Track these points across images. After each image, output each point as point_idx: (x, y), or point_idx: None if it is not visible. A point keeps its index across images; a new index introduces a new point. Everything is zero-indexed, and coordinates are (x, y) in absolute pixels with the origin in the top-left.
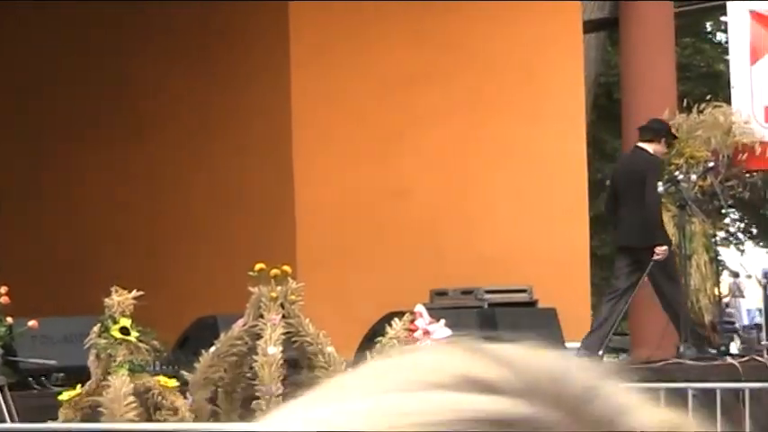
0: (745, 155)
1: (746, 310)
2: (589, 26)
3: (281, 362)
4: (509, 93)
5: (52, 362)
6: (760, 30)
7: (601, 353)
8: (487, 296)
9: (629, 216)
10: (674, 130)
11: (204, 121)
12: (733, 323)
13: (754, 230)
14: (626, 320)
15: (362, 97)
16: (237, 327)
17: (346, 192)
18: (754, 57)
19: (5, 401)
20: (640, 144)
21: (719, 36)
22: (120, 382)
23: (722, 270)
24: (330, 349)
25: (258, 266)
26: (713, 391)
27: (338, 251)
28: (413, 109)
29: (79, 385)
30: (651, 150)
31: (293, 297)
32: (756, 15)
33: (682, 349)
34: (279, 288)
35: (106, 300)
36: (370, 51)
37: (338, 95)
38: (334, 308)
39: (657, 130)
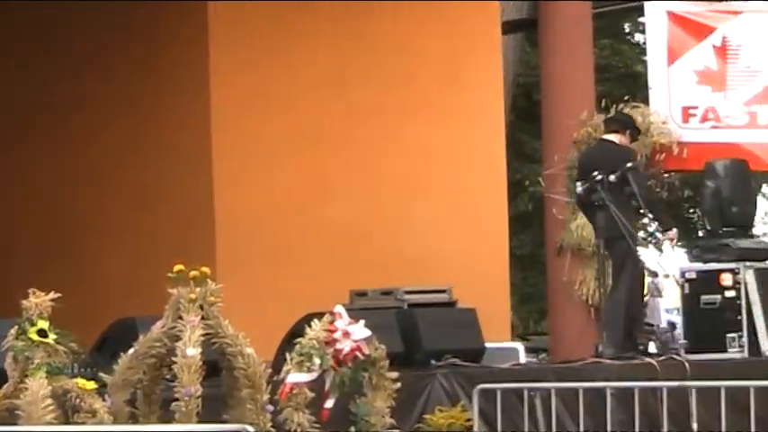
0: (663, 155)
1: (665, 309)
2: (507, 27)
3: (201, 363)
4: (429, 94)
5: None
6: (677, 30)
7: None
8: (407, 296)
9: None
10: (592, 131)
11: (122, 121)
12: (651, 323)
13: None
14: (545, 320)
15: (284, 97)
16: (156, 328)
17: (266, 192)
18: (672, 57)
19: None
20: (606, 136)
21: (638, 37)
22: (38, 385)
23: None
24: (249, 350)
25: (177, 268)
26: (631, 390)
27: (258, 252)
28: (335, 109)
29: None
30: (617, 141)
31: (212, 298)
32: (673, 16)
33: (600, 348)
34: (198, 289)
35: (23, 302)
36: (293, 51)
37: (259, 95)
38: (254, 309)
39: (624, 122)
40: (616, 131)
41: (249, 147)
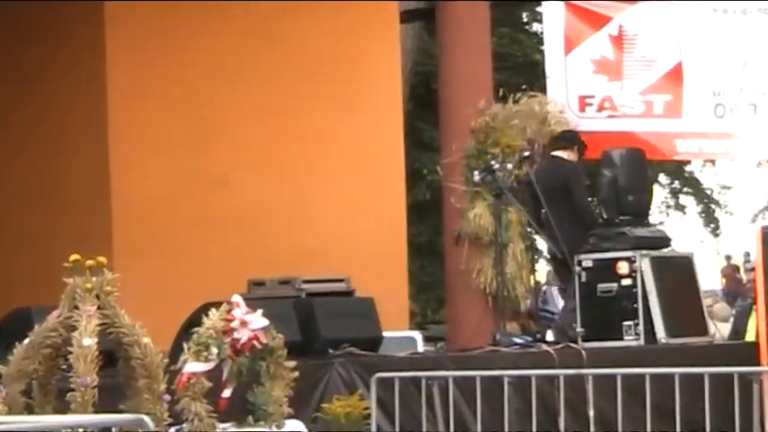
0: None
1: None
2: (406, 16)
3: (97, 353)
4: (327, 83)
5: None
6: (574, 20)
7: None
8: (305, 286)
9: (561, 225)
10: (489, 120)
11: (19, 114)
12: (549, 311)
13: None
14: (443, 308)
15: (183, 89)
16: (52, 318)
17: (164, 182)
18: (569, 47)
19: None
20: (554, 153)
21: (536, 26)
22: None
23: (538, 258)
24: (146, 340)
25: (73, 257)
26: (528, 378)
27: (155, 242)
28: (233, 100)
29: None
30: (566, 157)
31: (108, 288)
32: (570, 6)
33: (498, 337)
34: (94, 279)
35: None
36: (192, 44)
37: (159, 87)
38: (151, 299)
39: (570, 139)
40: (564, 148)
41: (146, 139)
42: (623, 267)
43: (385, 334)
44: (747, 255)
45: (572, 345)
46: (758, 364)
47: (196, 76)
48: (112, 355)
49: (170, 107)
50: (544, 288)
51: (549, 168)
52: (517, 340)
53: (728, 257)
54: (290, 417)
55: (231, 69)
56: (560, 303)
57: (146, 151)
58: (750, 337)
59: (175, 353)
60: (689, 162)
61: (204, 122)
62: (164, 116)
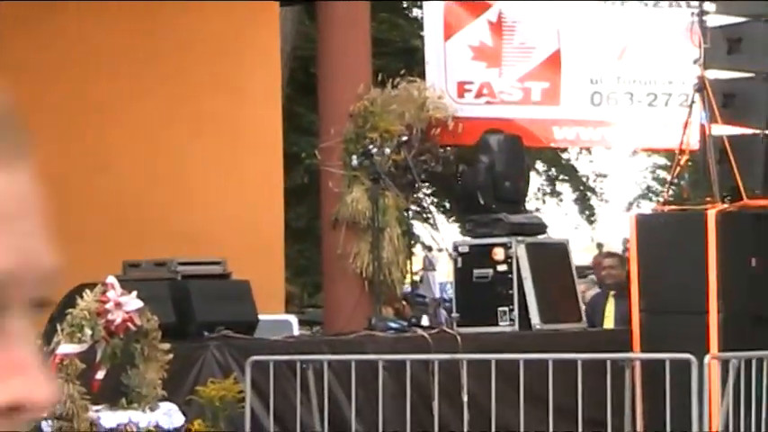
0: (439, 130)
1: (438, 283)
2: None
3: None
4: (206, 67)
5: None
6: (453, 6)
7: None
8: (181, 268)
9: None
10: (368, 105)
11: None
12: (424, 296)
13: (447, 205)
14: (320, 293)
15: (62, 70)
16: None
17: (42, 165)
18: (448, 33)
19: None
20: None
21: (415, 12)
22: None
23: (415, 243)
24: None
25: None
26: (403, 362)
27: None
28: (110, 84)
29: None
30: None
31: None
32: None
33: (374, 321)
34: None
35: None
36: (68, 28)
37: (35, 73)
38: None
39: None
40: None
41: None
42: (499, 253)
43: (260, 317)
44: (627, 241)
45: (447, 330)
46: (630, 350)
47: (72, 61)
48: None
49: (46, 92)
50: (420, 273)
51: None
52: (393, 325)
53: (600, 245)
54: (164, 399)
55: (107, 54)
56: (436, 289)
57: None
58: (608, 323)
59: (48, 334)
60: (566, 149)
61: (81, 107)
62: (40, 101)
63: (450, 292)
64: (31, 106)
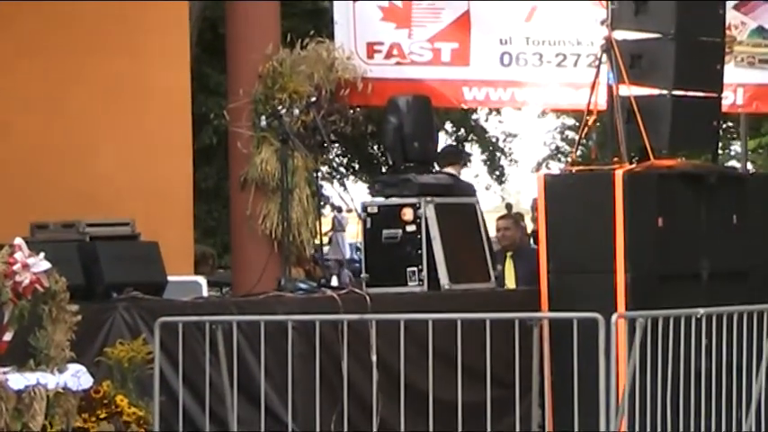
0: (348, 91)
1: (348, 243)
2: None
3: None
4: (112, 25)
5: None
6: None
7: None
8: (89, 229)
9: None
10: (277, 65)
11: None
12: (334, 257)
13: (356, 165)
14: (228, 254)
15: None
16: None
17: None
18: None
19: None
20: (446, 170)
21: None
22: None
23: (324, 204)
24: None
25: None
26: (313, 323)
27: None
28: (12, 39)
29: None
30: (458, 174)
31: None
32: None
33: (283, 282)
34: None
35: None
36: None
37: None
38: None
39: (456, 154)
40: (452, 164)
41: None
42: (408, 214)
43: (169, 278)
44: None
45: (356, 290)
46: (538, 309)
47: None
48: None
49: None
50: (330, 234)
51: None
52: (302, 286)
53: (509, 206)
54: (73, 361)
55: (8, 10)
56: (346, 250)
57: None
58: (509, 283)
59: None
60: (475, 110)
61: None
62: None
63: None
64: None
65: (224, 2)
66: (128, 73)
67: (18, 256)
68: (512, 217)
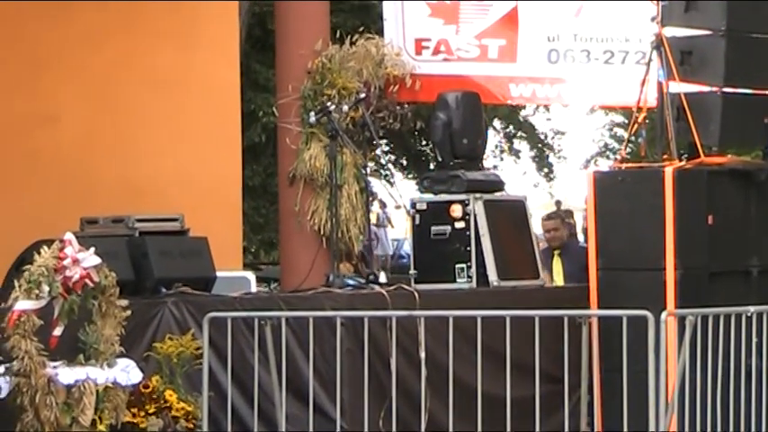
0: (397, 87)
1: (395, 240)
2: None
3: None
4: (164, 20)
5: None
6: None
7: None
8: (138, 224)
9: None
10: (326, 61)
11: None
12: (382, 253)
13: (404, 162)
14: (276, 250)
15: (12, 22)
16: None
17: None
18: None
19: None
20: None
21: None
22: None
23: (372, 200)
24: None
25: None
26: (361, 319)
27: None
28: (64, 34)
29: None
30: None
31: None
32: None
33: (331, 278)
34: None
35: None
36: None
37: None
38: None
39: None
40: None
41: None
42: (457, 210)
43: (218, 274)
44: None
45: (405, 287)
46: (587, 306)
47: (23, 9)
48: None
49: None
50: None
51: None
52: (350, 282)
53: (558, 203)
54: (122, 355)
55: (61, 5)
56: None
57: None
58: (558, 281)
59: (6, 291)
60: (523, 107)
61: (34, 57)
62: None
63: (404, 249)
64: None
65: None
66: (178, 68)
67: (68, 250)
68: (558, 216)
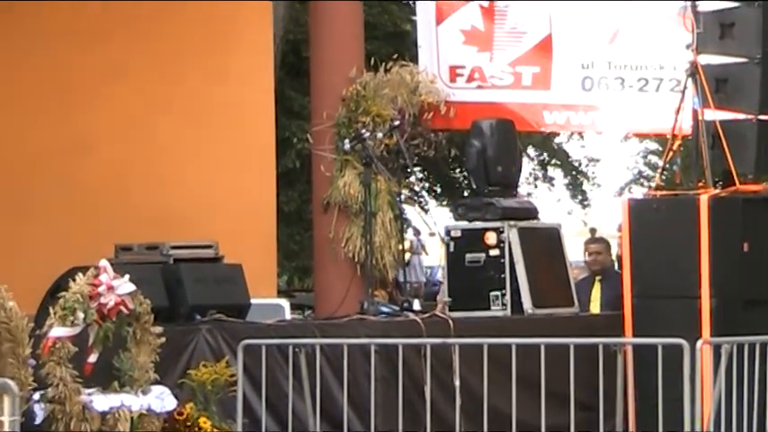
0: (431, 114)
1: (430, 267)
2: None
3: None
4: (198, 48)
5: None
6: None
7: None
8: (173, 251)
9: None
10: (360, 89)
11: None
12: (416, 280)
13: (438, 189)
14: (311, 276)
15: (40, 51)
16: None
17: (28, 146)
18: (440, 17)
19: None
20: None
21: None
22: None
23: (406, 228)
24: (11, 304)
25: None
26: (395, 346)
27: (20, 205)
28: (99, 63)
29: None
30: None
31: None
32: None
33: (365, 305)
34: None
35: None
36: (56, 4)
37: (20, 48)
38: (16, 262)
39: None
40: None
41: (9, 101)
42: (491, 238)
43: (252, 301)
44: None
45: (439, 314)
46: (622, 334)
47: (57, 38)
48: None
49: (31, 70)
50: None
51: None
52: (384, 309)
53: (593, 230)
54: (156, 382)
55: (95, 31)
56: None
57: (8, 114)
58: (594, 308)
59: (41, 317)
60: (557, 134)
61: (68, 85)
62: (24, 80)
63: (438, 276)
64: (11, 86)
65: (308, 26)
66: (212, 95)
67: (103, 277)
68: (604, 241)
